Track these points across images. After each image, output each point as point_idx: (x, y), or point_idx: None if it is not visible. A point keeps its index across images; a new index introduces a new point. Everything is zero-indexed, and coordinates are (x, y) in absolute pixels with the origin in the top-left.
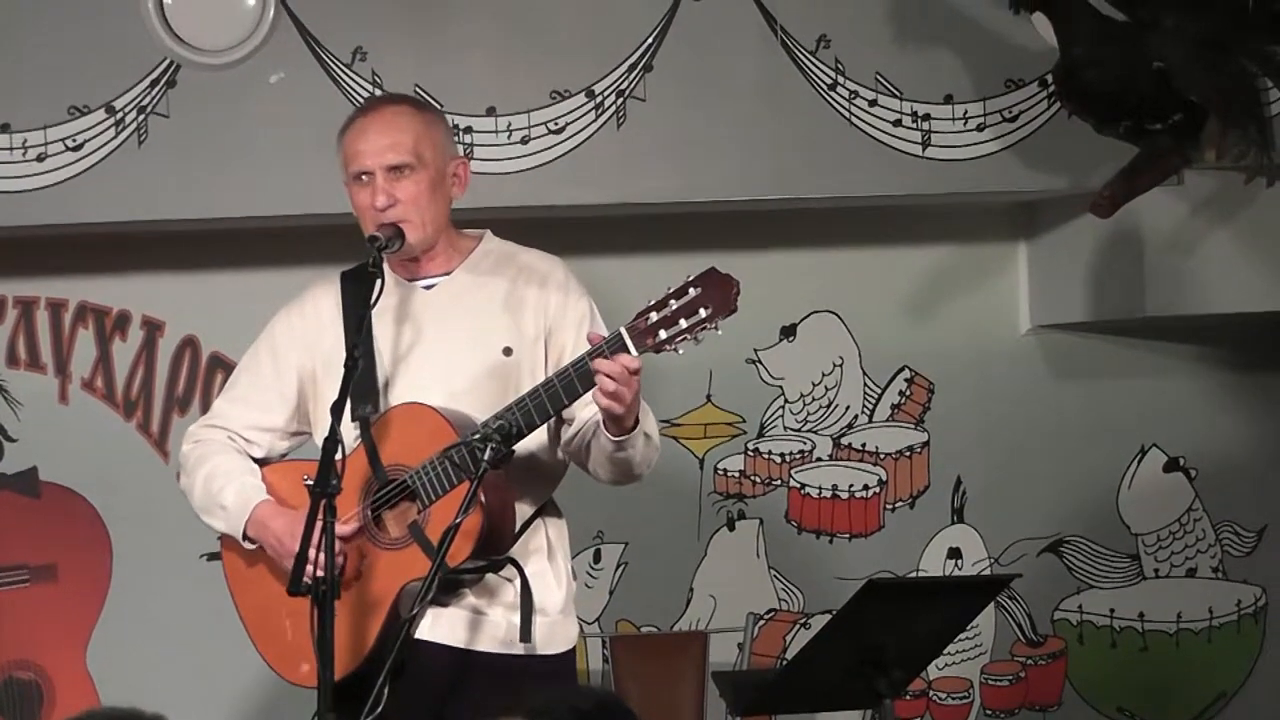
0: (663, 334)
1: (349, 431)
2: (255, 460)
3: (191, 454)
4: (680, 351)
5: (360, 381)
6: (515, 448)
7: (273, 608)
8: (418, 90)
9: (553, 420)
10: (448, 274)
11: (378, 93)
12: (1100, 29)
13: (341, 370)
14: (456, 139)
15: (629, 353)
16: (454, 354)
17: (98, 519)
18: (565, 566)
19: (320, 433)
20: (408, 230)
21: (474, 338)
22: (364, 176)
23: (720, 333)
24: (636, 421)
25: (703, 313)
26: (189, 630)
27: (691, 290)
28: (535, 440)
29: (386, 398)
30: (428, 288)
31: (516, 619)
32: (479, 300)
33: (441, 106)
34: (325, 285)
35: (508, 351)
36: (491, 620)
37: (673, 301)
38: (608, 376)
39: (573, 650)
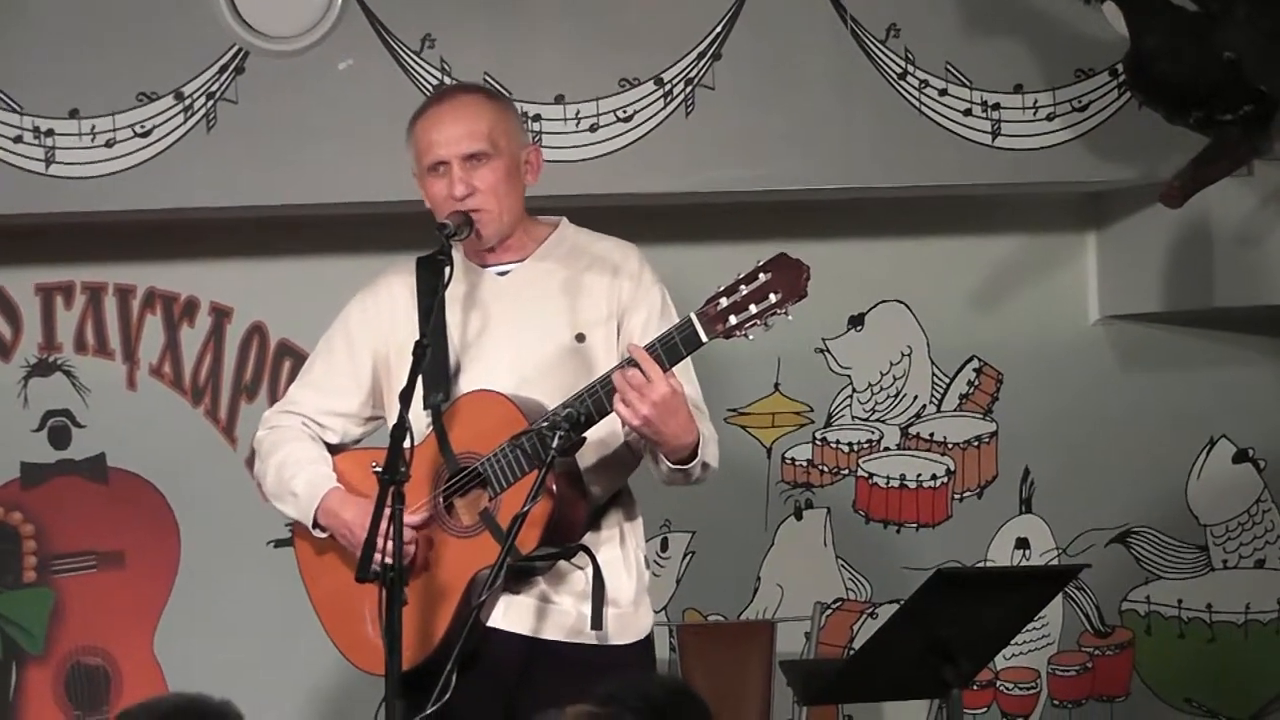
0: (733, 319)
1: (420, 419)
2: (329, 446)
3: (265, 440)
4: (751, 338)
5: (432, 368)
6: (587, 435)
7: (344, 595)
8: (487, 78)
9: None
10: (521, 261)
11: (447, 80)
12: (1172, 19)
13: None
14: (525, 127)
15: (698, 340)
16: (526, 341)
17: (165, 505)
18: (637, 556)
19: (393, 419)
20: (486, 219)
21: (546, 325)
22: (440, 167)
23: (791, 319)
24: (694, 455)
25: (773, 298)
26: (256, 617)
27: (762, 275)
28: (608, 428)
29: (458, 385)
30: (501, 274)
31: (586, 608)
32: (552, 288)
33: (510, 94)
34: (400, 271)
35: (580, 339)
36: (561, 609)
37: (743, 287)
38: (628, 384)
39: (645, 642)
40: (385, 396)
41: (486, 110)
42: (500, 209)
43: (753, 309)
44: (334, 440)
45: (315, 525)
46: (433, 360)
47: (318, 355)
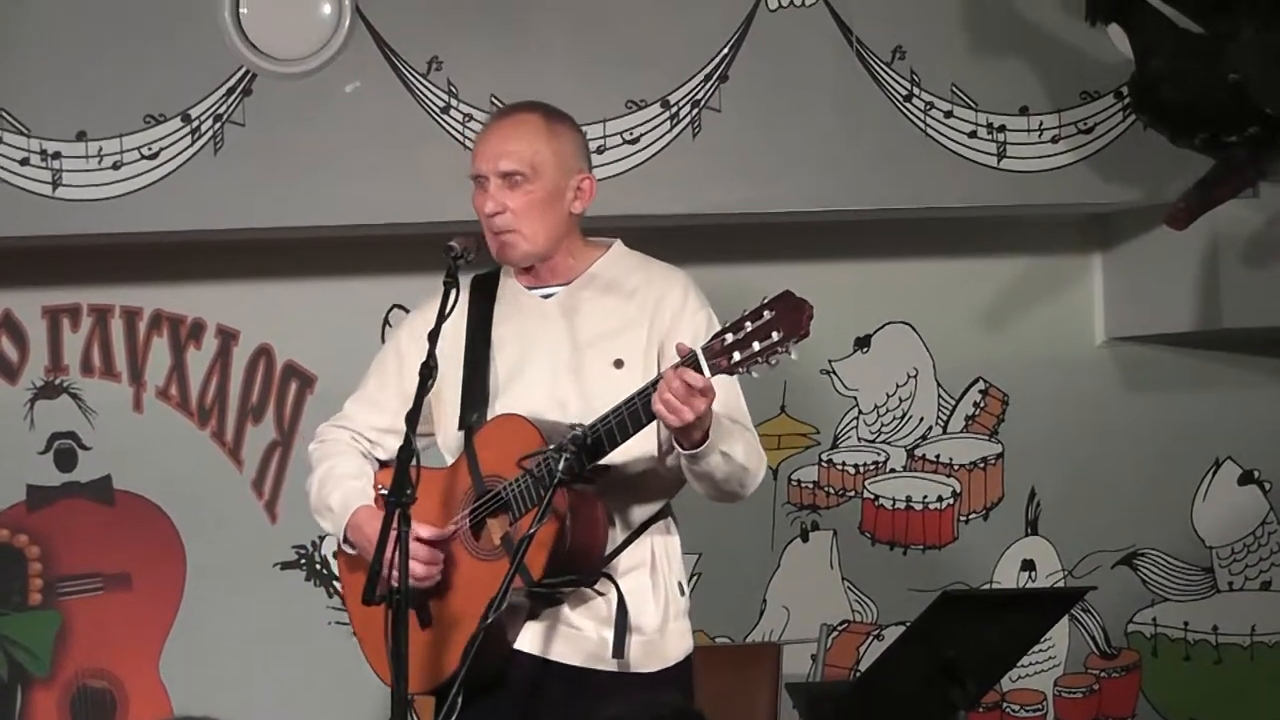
0: (736, 356)
1: (458, 439)
2: (381, 461)
3: (315, 454)
4: (755, 375)
5: (471, 390)
6: (609, 462)
7: (376, 613)
8: (494, 100)
9: (663, 432)
10: (566, 285)
11: (454, 103)
12: (1177, 41)
13: (462, 372)
14: (586, 153)
15: (702, 373)
16: (565, 366)
17: (171, 527)
18: (669, 583)
19: (442, 435)
20: (513, 241)
21: (586, 349)
22: (480, 180)
23: (794, 357)
24: (706, 436)
25: (775, 336)
26: (262, 639)
27: (766, 313)
28: (642, 452)
29: (496, 406)
30: (546, 297)
31: (608, 633)
32: (595, 312)
33: None
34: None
35: (618, 364)
36: (583, 634)
37: (748, 324)
38: (666, 388)
39: (676, 669)
40: (435, 412)
41: (536, 132)
42: (531, 233)
43: (755, 346)
44: (383, 456)
45: (346, 541)
46: (474, 381)
47: (371, 371)
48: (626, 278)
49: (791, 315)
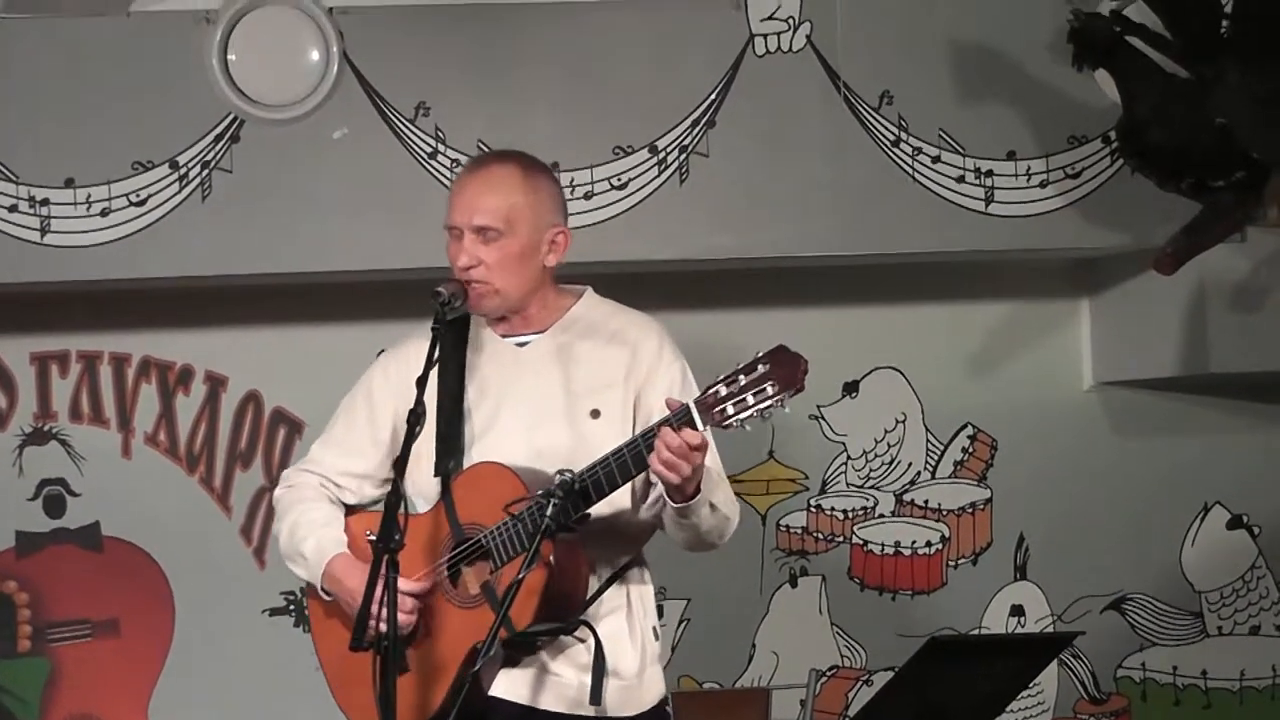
0: (730, 409)
1: (433, 486)
2: (348, 506)
3: (283, 499)
4: (748, 429)
5: (447, 436)
6: (597, 509)
7: (349, 658)
8: (481, 146)
9: (638, 481)
10: (540, 333)
11: (440, 149)
12: (1164, 86)
13: (436, 419)
14: (563, 205)
15: (695, 428)
16: (540, 414)
17: (160, 573)
18: (644, 628)
19: (412, 481)
20: (484, 293)
21: (562, 398)
22: (454, 230)
23: (788, 411)
24: (698, 490)
25: (770, 390)
26: (251, 685)
27: (760, 367)
28: (618, 500)
29: (472, 454)
30: (520, 345)
31: (588, 679)
32: (570, 361)
33: None
34: (425, 333)
35: (595, 414)
36: (563, 680)
37: (742, 377)
38: (665, 446)
39: (651, 713)
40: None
41: (512, 187)
42: (503, 286)
43: (749, 400)
44: (351, 500)
45: (322, 589)
46: (449, 427)
47: (340, 414)
48: (601, 326)
49: (786, 369)
